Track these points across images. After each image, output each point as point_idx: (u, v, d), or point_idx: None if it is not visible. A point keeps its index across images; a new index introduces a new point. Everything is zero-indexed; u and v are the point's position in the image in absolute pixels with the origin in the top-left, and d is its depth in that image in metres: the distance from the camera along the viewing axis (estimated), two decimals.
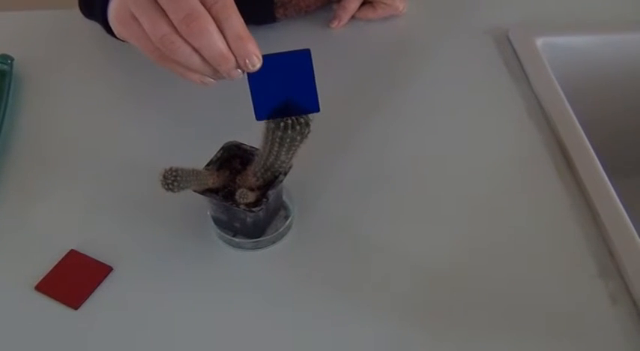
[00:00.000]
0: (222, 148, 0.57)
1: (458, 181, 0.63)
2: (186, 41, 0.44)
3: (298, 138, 0.49)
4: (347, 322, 0.52)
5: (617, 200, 0.59)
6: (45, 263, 0.55)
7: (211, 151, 0.56)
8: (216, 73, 0.47)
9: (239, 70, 0.46)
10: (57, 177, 0.63)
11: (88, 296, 0.53)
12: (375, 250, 0.57)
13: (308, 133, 0.49)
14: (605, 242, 0.57)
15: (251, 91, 0.48)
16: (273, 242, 0.57)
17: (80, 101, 0.72)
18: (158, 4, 0.44)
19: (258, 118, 0.49)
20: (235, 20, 0.44)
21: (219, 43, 0.44)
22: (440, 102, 0.71)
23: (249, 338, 0.51)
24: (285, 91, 0.48)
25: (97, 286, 0.54)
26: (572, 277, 0.55)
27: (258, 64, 0.45)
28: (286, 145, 0.50)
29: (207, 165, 0.55)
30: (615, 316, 0.52)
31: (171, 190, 0.48)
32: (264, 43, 0.79)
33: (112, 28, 0.50)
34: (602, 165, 0.62)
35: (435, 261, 0.56)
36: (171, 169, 0.48)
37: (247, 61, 0.45)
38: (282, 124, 0.48)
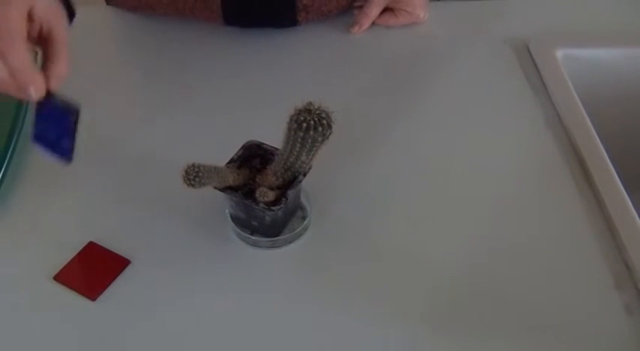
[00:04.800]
0: (243, 146, 0.57)
1: (474, 190, 0.63)
2: None
3: (319, 139, 0.50)
4: (361, 323, 0.52)
5: (634, 213, 0.59)
6: (64, 254, 0.56)
7: (232, 149, 0.57)
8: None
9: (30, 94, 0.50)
10: (78, 169, 0.63)
11: (106, 288, 0.54)
12: (391, 253, 0.57)
13: (329, 134, 0.50)
14: (621, 254, 0.57)
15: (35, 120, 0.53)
16: (290, 242, 0.58)
17: (103, 95, 0.73)
18: None
19: (32, 143, 0.55)
20: (13, 55, 0.48)
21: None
22: (458, 111, 0.72)
23: (261, 335, 0.51)
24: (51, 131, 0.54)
25: (114, 279, 0.55)
26: (587, 287, 0.55)
27: (34, 96, 0.50)
28: (307, 145, 0.50)
29: (228, 163, 0.56)
30: (630, 327, 0.51)
31: (193, 185, 0.49)
32: (286, 47, 0.81)
33: None
34: (620, 178, 0.62)
35: (450, 266, 0.56)
36: (193, 165, 0.49)
37: (27, 91, 0.49)
38: (304, 124, 0.48)
